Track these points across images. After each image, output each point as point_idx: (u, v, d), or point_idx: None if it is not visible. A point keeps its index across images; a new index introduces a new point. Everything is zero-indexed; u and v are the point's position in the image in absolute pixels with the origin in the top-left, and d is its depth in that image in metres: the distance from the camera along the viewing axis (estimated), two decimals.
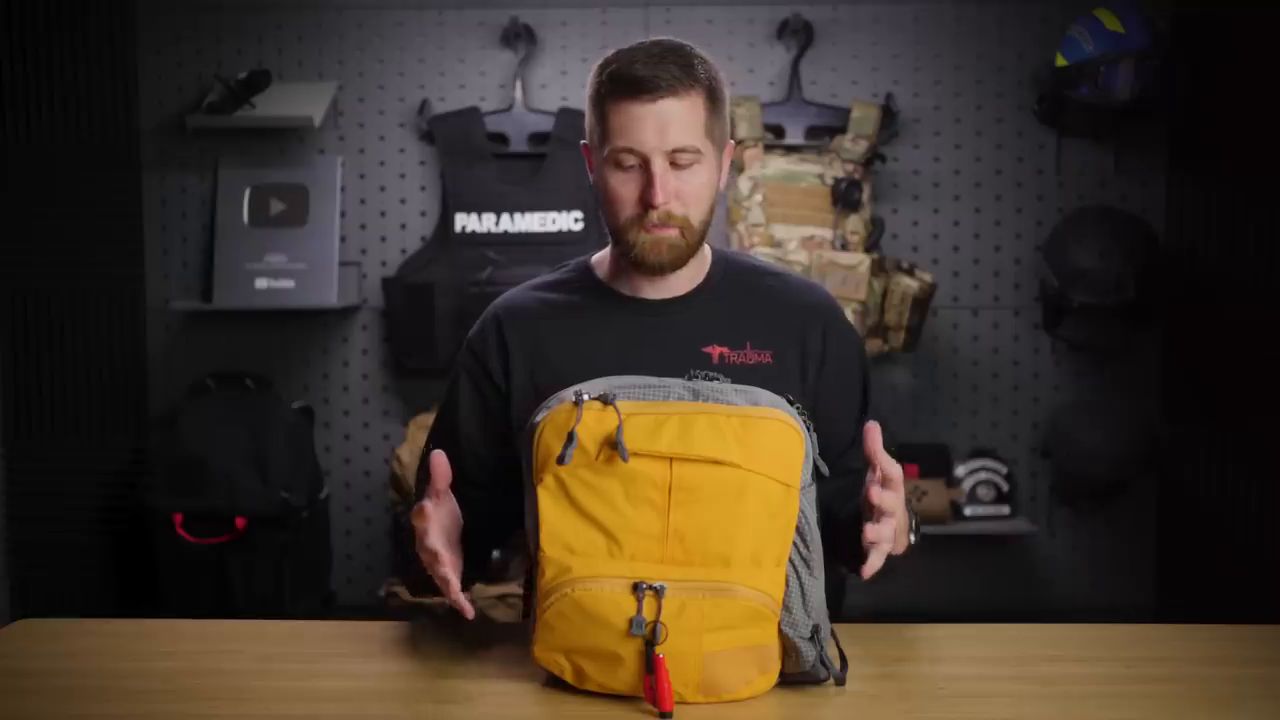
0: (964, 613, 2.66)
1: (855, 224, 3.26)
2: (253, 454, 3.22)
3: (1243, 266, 3.15)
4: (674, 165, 1.42)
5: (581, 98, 3.92)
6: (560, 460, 1.24)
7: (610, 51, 1.49)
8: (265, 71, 3.40)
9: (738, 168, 3.33)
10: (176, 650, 1.45)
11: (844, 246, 3.24)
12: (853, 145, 3.30)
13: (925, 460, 3.47)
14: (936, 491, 3.41)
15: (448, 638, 1.47)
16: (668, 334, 1.49)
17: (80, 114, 3.40)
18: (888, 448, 1.29)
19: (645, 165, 1.42)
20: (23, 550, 3.42)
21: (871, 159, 3.33)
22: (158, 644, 1.48)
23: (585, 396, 1.27)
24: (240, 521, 3.15)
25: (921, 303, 3.26)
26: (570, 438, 1.24)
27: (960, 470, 3.50)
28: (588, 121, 1.50)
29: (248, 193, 3.50)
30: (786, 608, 1.26)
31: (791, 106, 3.41)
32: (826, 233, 3.24)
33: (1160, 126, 3.45)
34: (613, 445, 1.24)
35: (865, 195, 3.28)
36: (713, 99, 1.45)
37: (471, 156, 3.43)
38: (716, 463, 1.24)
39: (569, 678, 1.26)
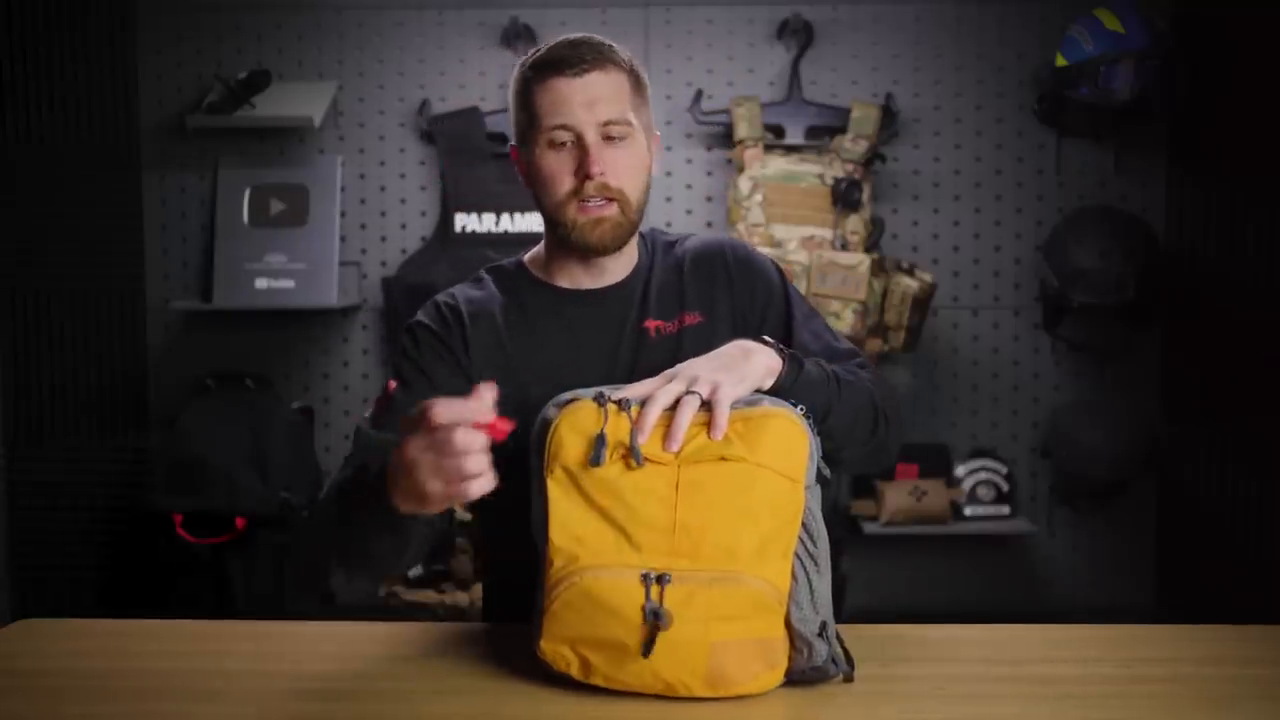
0: (964, 613, 2.66)
1: (855, 224, 3.26)
2: (253, 454, 3.23)
3: (1243, 266, 3.15)
4: (606, 139, 1.45)
5: None
6: (595, 462, 1.25)
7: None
8: (265, 71, 3.41)
9: (738, 168, 3.33)
10: (176, 650, 1.45)
11: (844, 246, 3.24)
12: (853, 145, 3.30)
13: (925, 460, 3.48)
14: (936, 491, 3.41)
15: (448, 637, 1.47)
16: (611, 321, 1.52)
17: (80, 114, 3.40)
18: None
19: (579, 140, 1.44)
20: (23, 550, 3.42)
21: (871, 159, 3.33)
22: (158, 644, 1.48)
23: (607, 397, 1.29)
24: (240, 521, 3.15)
25: (921, 303, 3.26)
26: (601, 440, 1.26)
27: (960, 470, 3.50)
28: (514, 119, 1.52)
29: (248, 193, 3.50)
30: (796, 603, 1.26)
31: (791, 106, 3.41)
32: (826, 233, 3.24)
33: (1160, 126, 3.45)
34: (626, 449, 1.26)
35: (865, 195, 3.28)
36: (637, 83, 1.50)
37: (471, 156, 3.43)
38: (722, 459, 1.25)
39: (575, 672, 1.26)
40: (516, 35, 3.46)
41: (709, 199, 3.53)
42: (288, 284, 3.45)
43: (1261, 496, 3.06)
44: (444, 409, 1.16)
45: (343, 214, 3.53)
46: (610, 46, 1.48)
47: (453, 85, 3.53)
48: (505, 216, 3.41)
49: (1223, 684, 1.32)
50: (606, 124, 1.44)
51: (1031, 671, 1.36)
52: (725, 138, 3.45)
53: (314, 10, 3.53)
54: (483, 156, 3.43)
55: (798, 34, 3.46)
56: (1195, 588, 3.38)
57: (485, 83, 3.52)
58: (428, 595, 3.34)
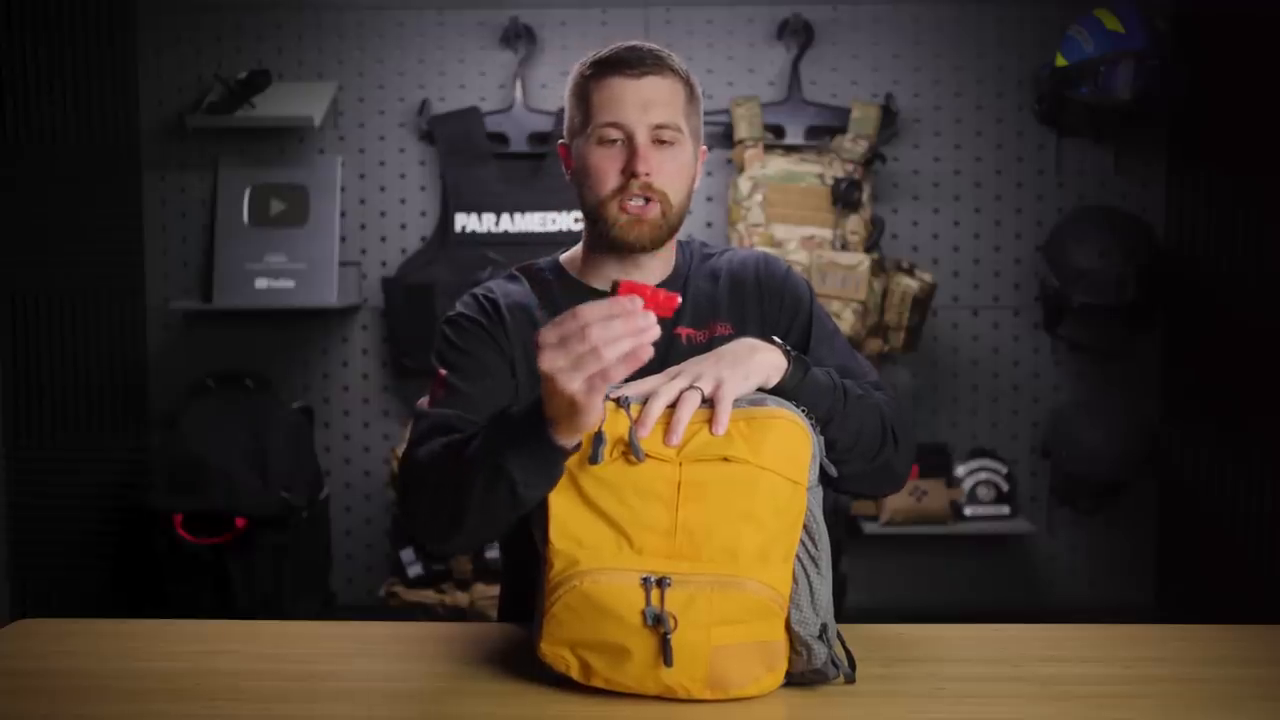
0: (964, 613, 2.67)
1: (855, 224, 3.26)
2: (253, 454, 3.22)
3: (1242, 267, 3.15)
4: (656, 142, 1.47)
5: None
6: (593, 460, 1.24)
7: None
8: (265, 71, 3.40)
9: (738, 168, 3.33)
10: (176, 650, 1.45)
11: (844, 246, 3.24)
12: (853, 145, 3.30)
13: (925, 460, 3.48)
14: (936, 491, 3.41)
15: (448, 637, 1.47)
16: None
17: (80, 114, 3.40)
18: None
19: (629, 140, 1.46)
20: (23, 550, 3.42)
21: (871, 159, 3.33)
22: (158, 644, 1.48)
23: (605, 395, 1.26)
24: (240, 521, 3.15)
25: (921, 303, 3.26)
26: (599, 438, 1.24)
27: (960, 470, 3.50)
28: (568, 115, 1.53)
29: (248, 193, 3.50)
30: (796, 605, 1.26)
31: (791, 106, 3.41)
32: (826, 233, 3.24)
33: (1160, 126, 3.46)
34: (626, 445, 1.25)
35: (865, 195, 3.28)
36: (690, 93, 1.51)
37: (471, 156, 3.43)
38: (725, 459, 1.24)
39: (575, 674, 1.26)
40: (516, 35, 3.46)
41: (709, 199, 3.53)
42: (288, 284, 3.45)
43: (1261, 496, 3.06)
44: (582, 309, 1.13)
45: (343, 214, 3.53)
46: (669, 54, 1.50)
47: (453, 85, 3.53)
48: (505, 216, 3.41)
49: (1223, 684, 1.32)
50: (658, 127, 1.46)
51: (1031, 671, 1.36)
52: (725, 138, 3.45)
53: (314, 10, 3.53)
54: (483, 156, 3.43)
55: (798, 34, 3.46)
56: (1195, 588, 3.38)
57: (485, 83, 3.53)
58: (428, 595, 3.34)
